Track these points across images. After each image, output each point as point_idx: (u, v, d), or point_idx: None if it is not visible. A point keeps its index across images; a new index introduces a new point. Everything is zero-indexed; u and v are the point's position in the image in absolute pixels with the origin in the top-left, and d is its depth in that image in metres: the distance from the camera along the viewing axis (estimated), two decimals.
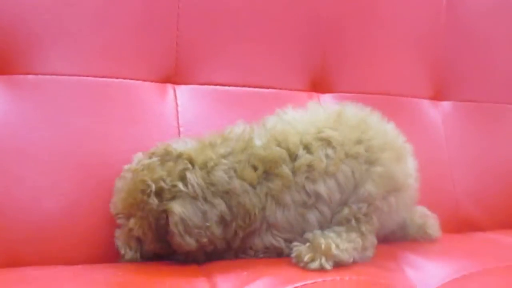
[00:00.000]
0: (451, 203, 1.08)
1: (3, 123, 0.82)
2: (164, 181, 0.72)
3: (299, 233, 0.77)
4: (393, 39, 1.08)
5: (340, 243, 0.73)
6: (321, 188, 0.76)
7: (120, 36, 0.90)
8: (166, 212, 0.72)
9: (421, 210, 0.93)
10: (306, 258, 0.71)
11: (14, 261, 0.77)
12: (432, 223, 0.92)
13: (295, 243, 0.75)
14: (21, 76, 0.84)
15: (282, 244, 0.77)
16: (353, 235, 0.75)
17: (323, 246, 0.72)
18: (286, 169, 0.75)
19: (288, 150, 0.76)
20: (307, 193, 0.76)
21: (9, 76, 0.84)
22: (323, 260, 0.71)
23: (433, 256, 0.83)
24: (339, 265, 0.72)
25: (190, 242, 0.72)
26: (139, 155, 0.78)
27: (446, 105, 1.15)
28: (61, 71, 0.86)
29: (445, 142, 1.11)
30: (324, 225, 0.77)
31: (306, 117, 0.81)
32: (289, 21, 1.00)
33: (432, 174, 1.07)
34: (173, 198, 0.72)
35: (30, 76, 0.85)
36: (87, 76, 0.87)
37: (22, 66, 0.85)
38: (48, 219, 0.80)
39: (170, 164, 0.73)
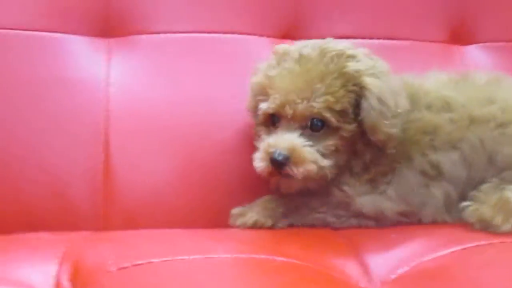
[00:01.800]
0: None
1: (120, 85, 0.77)
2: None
3: (417, 207, 0.64)
4: None
5: None
6: (444, 161, 0.63)
7: None
8: (363, 86, 0.62)
9: None
10: (497, 221, 0.57)
11: (129, 223, 0.71)
12: None
13: (465, 203, 0.61)
14: (135, 37, 0.80)
15: (390, 214, 0.63)
16: None
17: None
18: (419, 115, 0.64)
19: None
20: (430, 162, 0.63)
21: (123, 38, 0.80)
22: None
23: None
24: None
25: (386, 127, 0.62)
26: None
27: None
28: (173, 29, 0.81)
29: None
30: (450, 207, 0.63)
31: (426, 81, 0.69)
32: None
33: None
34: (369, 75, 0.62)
35: (143, 36, 0.80)
36: (201, 32, 0.81)
37: (134, 27, 0.81)
38: (163, 180, 0.74)
39: None
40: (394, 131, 0.62)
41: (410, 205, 0.64)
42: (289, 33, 0.85)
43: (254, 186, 0.74)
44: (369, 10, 0.86)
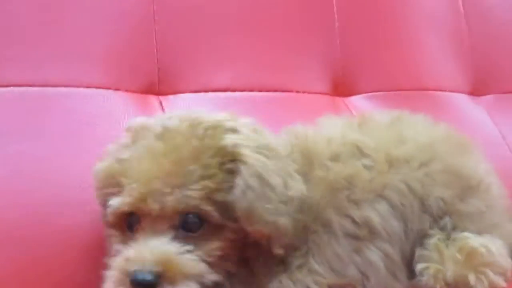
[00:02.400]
0: None
1: None
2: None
3: (355, 280, 0.48)
4: (420, 28, 0.89)
5: (493, 244, 0.49)
6: (372, 215, 0.50)
7: (81, 36, 0.65)
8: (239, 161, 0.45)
9: None
10: (473, 280, 0.46)
11: None
12: None
13: (422, 265, 0.49)
14: None
15: None
16: (488, 236, 0.51)
17: (483, 251, 0.47)
18: (322, 173, 0.50)
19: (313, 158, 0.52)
20: (355, 222, 0.49)
21: None
22: (491, 274, 0.47)
23: None
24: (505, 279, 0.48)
25: (268, 214, 0.44)
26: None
27: (487, 99, 0.95)
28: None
29: (501, 137, 0.90)
30: (395, 272, 0.50)
31: (323, 129, 0.58)
32: (302, 13, 0.79)
33: (499, 171, 0.84)
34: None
35: None
36: (32, 86, 0.61)
37: None
38: None
39: None
40: (283, 220, 0.45)
41: (345, 277, 0.48)
42: (153, 88, 0.69)
43: None
44: (248, 61, 0.75)
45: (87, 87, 0.63)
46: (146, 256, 0.42)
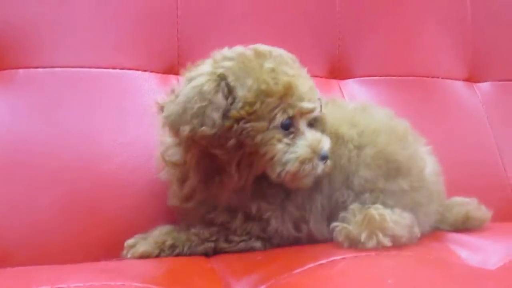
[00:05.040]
0: (503, 189, 0.93)
1: None
2: None
3: (306, 212, 0.65)
4: (417, 16, 0.98)
5: (392, 215, 0.62)
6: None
7: (117, 26, 0.84)
8: None
9: (459, 199, 0.78)
10: (363, 238, 0.60)
11: (5, 261, 0.67)
12: (474, 206, 0.76)
13: (334, 224, 0.64)
14: (12, 71, 0.78)
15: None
16: (398, 210, 0.64)
17: (377, 218, 0.61)
18: None
19: None
20: None
21: None
22: (380, 236, 0.60)
23: (489, 236, 0.70)
24: (394, 241, 0.61)
25: None
26: None
27: (484, 86, 1.02)
28: (54, 63, 0.80)
29: (488, 125, 0.98)
30: (324, 219, 0.66)
31: None
32: (300, 2, 0.92)
33: (479, 159, 0.94)
34: None
35: (20, 71, 0.79)
36: (83, 67, 0.81)
37: (11, 61, 0.79)
38: (43, 217, 0.71)
39: None
40: None
41: (303, 211, 0.65)
42: (174, 69, 0.87)
43: (139, 217, 0.74)
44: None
45: (122, 68, 0.82)
46: (325, 140, 0.63)
